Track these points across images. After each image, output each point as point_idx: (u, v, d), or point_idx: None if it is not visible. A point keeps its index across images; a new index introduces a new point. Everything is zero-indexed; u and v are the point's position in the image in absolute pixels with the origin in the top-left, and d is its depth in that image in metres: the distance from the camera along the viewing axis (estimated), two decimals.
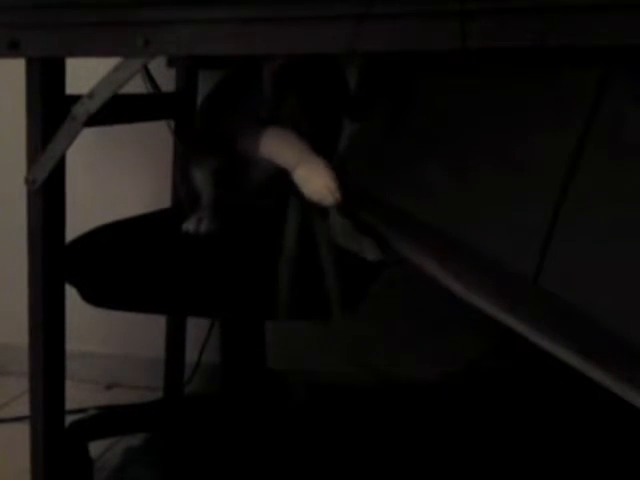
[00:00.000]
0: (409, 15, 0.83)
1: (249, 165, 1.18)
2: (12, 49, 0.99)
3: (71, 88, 1.08)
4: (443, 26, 0.83)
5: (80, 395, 1.73)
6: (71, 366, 1.21)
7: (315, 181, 1.02)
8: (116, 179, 1.82)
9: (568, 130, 1.43)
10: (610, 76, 1.34)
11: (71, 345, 1.18)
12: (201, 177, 1.27)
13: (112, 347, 1.91)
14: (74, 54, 1.01)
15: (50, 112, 1.05)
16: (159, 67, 1.55)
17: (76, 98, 1.03)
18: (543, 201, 1.47)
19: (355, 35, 0.84)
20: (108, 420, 1.56)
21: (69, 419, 1.28)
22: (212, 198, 1.27)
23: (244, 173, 1.21)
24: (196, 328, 1.72)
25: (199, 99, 1.58)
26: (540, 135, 1.52)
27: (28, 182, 1.06)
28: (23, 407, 1.24)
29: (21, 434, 1.21)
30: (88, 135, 1.08)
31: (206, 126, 1.31)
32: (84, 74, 1.05)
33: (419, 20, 0.84)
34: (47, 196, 1.08)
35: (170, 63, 1.58)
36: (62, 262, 1.13)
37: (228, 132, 1.20)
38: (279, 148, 1.07)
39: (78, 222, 1.19)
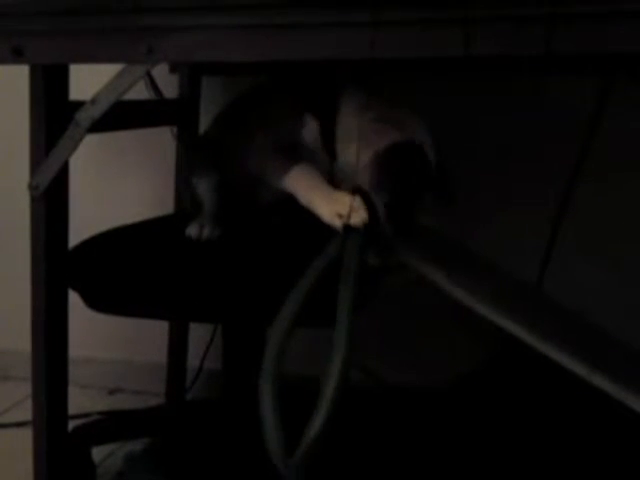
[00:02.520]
0: (412, 22, 0.84)
1: (259, 184, 1.18)
2: (16, 55, 0.99)
3: (74, 94, 1.08)
4: (447, 33, 0.83)
5: (83, 400, 1.73)
6: (74, 371, 1.21)
7: (335, 206, 1.02)
8: (119, 185, 1.82)
9: (572, 135, 1.43)
10: (614, 83, 1.35)
11: (74, 350, 1.18)
12: (204, 186, 1.28)
13: (115, 352, 1.91)
14: (77, 60, 1.01)
15: (53, 118, 1.06)
16: (162, 73, 1.56)
17: (79, 104, 1.03)
18: (546, 207, 1.48)
19: (370, 42, 0.85)
20: (111, 425, 1.56)
21: (72, 424, 1.28)
22: (215, 207, 1.28)
23: (253, 190, 1.22)
24: (198, 334, 1.72)
25: (202, 105, 1.59)
26: (543, 141, 1.52)
27: (31, 188, 1.07)
28: (26, 412, 1.24)
29: (24, 439, 1.21)
30: (91, 141, 1.08)
31: (216, 138, 1.32)
32: (87, 80, 1.06)
33: (423, 27, 0.84)
34: (50, 202, 1.08)
35: (173, 69, 1.58)
36: (65, 267, 1.14)
37: (240, 150, 1.20)
38: (301, 186, 1.08)
39: (81, 228, 1.20)
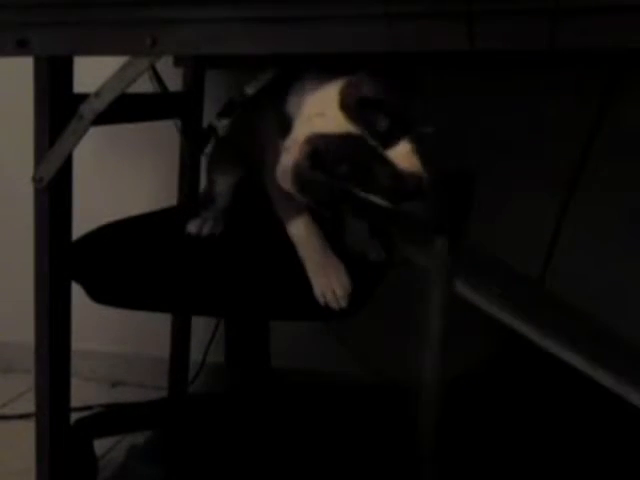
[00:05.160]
0: (415, 16, 0.84)
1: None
2: (21, 47, 0.99)
3: (79, 87, 1.08)
4: (450, 27, 0.83)
5: (85, 393, 1.74)
6: (76, 364, 1.22)
7: (324, 283, 1.05)
8: (122, 178, 1.82)
9: (576, 131, 1.43)
10: (619, 78, 1.35)
11: (77, 343, 1.18)
12: (223, 184, 1.28)
13: (117, 346, 1.92)
14: (82, 53, 1.02)
15: (58, 111, 1.06)
16: (166, 66, 1.56)
17: (83, 97, 1.03)
18: (550, 199, 1.48)
19: (376, 36, 0.85)
20: (113, 418, 1.57)
21: (74, 416, 1.28)
22: (227, 205, 1.28)
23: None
24: (201, 327, 1.72)
25: (206, 99, 1.59)
26: (546, 138, 1.52)
27: (35, 180, 1.07)
28: (28, 404, 1.25)
29: (26, 431, 1.22)
30: (95, 134, 1.08)
31: (236, 139, 1.31)
32: (92, 73, 1.06)
33: (426, 22, 0.84)
34: (54, 194, 1.08)
35: (177, 62, 1.58)
36: (68, 260, 1.14)
37: (257, 159, 1.20)
38: (302, 244, 1.09)
39: (84, 220, 1.20)
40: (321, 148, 0.96)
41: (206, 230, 1.23)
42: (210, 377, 1.80)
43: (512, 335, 0.98)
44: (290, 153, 0.99)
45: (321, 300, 1.04)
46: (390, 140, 0.95)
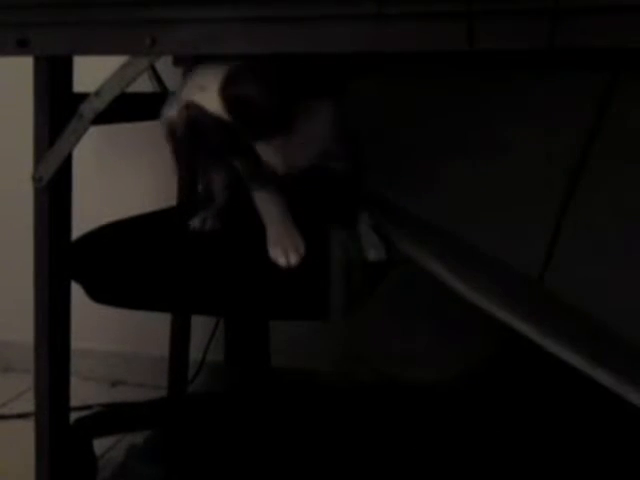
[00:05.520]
0: (415, 16, 0.84)
1: None
2: (21, 47, 0.99)
3: (78, 86, 1.08)
4: (450, 27, 0.83)
5: (85, 392, 1.73)
6: (76, 363, 1.22)
7: (280, 242, 1.09)
8: (122, 177, 1.82)
9: (576, 130, 1.43)
10: (619, 78, 1.34)
11: (76, 342, 1.18)
12: (219, 182, 1.28)
13: (117, 345, 1.92)
14: (81, 52, 1.02)
15: (57, 110, 1.06)
16: (166, 66, 1.56)
17: (83, 96, 1.03)
18: (550, 199, 1.47)
19: (373, 36, 0.85)
20: (112, 417, 1.57)
21: (74, 416, 1.28)
22: (224, 203, 1.28)
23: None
24: (201, 327, 1.72)
25: None
26: (547, 136, 1.52)
27: (35, 180, 1.07)
28: (28, 404, 1.25)
29: (26, 430, 1.22)
30: (95, 133, 1.08)
31: None
32: (91, 72, 1.06)
33: (426, 21, 0.84)
34: (54, 194, 1.08)
35: (177, 62, 1.58)
36: (68, 259, 1.14)
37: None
38: (264, 204, 1.13)
39: (84, 220, 1.20)
40: (196, 119, 1.01)
41: (208, 225, 1.23)
42: (210, 376, 1.80)
43: (512, 335, 0.98)
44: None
45: (272, 254, 1.07)
46: (260, 135, 1.00)
